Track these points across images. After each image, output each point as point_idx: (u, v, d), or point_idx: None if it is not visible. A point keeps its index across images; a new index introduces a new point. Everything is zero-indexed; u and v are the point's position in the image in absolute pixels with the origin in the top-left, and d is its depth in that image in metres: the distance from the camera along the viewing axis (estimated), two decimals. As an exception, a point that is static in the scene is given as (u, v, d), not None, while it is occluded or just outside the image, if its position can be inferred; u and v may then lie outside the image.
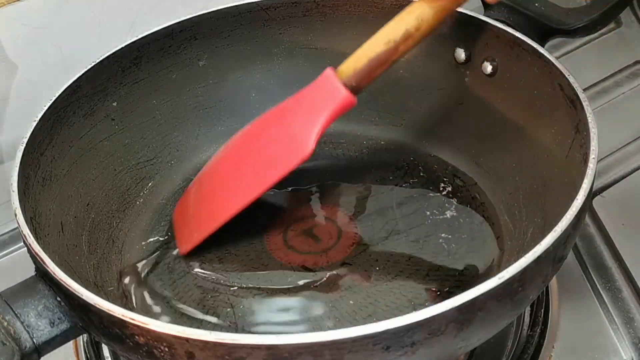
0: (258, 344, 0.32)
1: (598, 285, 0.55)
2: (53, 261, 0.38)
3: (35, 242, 0.39)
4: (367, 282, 0.48)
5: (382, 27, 0.47)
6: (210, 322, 0.46)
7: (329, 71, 0.48)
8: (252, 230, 0.53)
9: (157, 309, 0.48)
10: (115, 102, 0.55)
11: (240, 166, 0.51)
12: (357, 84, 0.47)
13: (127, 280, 0.50)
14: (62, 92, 0.50)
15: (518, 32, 0.51)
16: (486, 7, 0.55)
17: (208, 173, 0.54)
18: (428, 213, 0.53)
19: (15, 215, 0.41)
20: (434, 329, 0.33)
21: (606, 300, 0.54)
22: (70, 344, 0.52)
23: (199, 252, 0.51)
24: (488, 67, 0.54)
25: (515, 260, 0.35)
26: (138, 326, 0.34)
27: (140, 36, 0.55)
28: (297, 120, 0.48)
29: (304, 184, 0.56)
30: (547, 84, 0.48)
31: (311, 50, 0.60)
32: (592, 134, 0.43)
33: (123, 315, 0.35)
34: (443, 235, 0.51)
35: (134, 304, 0.48)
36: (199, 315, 0.47)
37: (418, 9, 0.46)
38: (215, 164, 0.53)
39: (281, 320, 0.46)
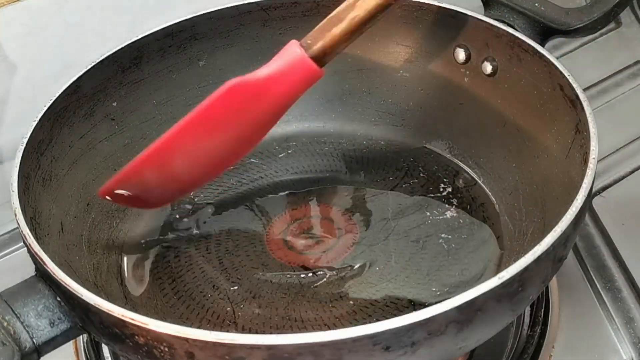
0: (258, 344, 0.32)
1: (598, 285, 0.55)
2: (53, 261, 0.38)
3: (35, 242, 0.39)
4: (366, 282, 0.48)
5: None
6: (210, 322, 0.46)
7: (293, 42, 0.46)
8: (252, 230, 0.53)
9: (157, 308, 0.48)
10: (115, 102, 0.55)
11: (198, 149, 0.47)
12: (323, 55, 0.45)
13: (127, 280, 0.50)
14: (62, 92, 0.50)
15: (518, 32, 0.51)
16: (486, 7, 0.55)
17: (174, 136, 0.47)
18: (428, 213, 0.53)
19: (15, 215, 0.41)
20: (434, 329, 0.33)
21: (606, 300, 0.54)
22: (70, 344, 0.52)
23: (199, 252, 0.51)
24: (488, 67, 0.54)
25: (515, 260, 0.35)
26: (138, 326, 0.34)
27: (140, 36, 0.55)
28: (263, 85, 0.46)
29: (304, 184, 0.57)
30: (547, 84, 0.48)
31: (311, 50, 0.60)
32: (592, 134, 0.43)
33: (123, 315, 0.35)
34: (443, 235, 0.51)
35: (134, 304, 0.48)
36: (199, 315, 0.47)
37: None
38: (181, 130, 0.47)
39: (281, 320, 0.46)
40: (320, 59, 0.45)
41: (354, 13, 0.44)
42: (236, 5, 0.58)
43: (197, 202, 0.56)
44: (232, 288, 0.49)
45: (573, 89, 0.46)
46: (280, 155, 0.59)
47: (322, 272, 0.49)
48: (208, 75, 0.59)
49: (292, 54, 0.46)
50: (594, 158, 0.41)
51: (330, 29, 0.45)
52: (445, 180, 0.56)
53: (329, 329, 0.37)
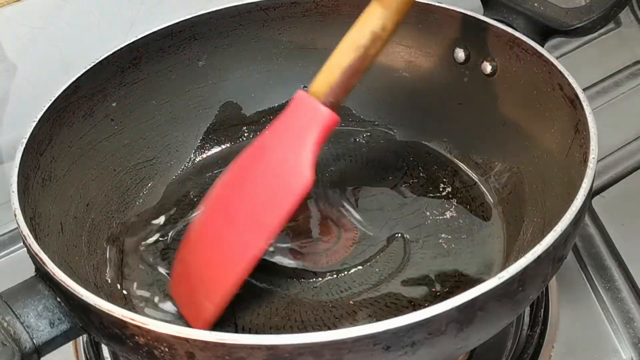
0: (258, 344, 0.32)
1: (598, 285, 0.55)
2: (53, 262, 0.38)
3: (35, 243, 0.39)
4: (366, 282, 0.48)
5: (345, 35, 0.45)
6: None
7: (301, 93, 0.44)
8: (251, 230, 0.53)
9: (157, 309, 0.48)
10: (114, 103, 0.55)
11: (234, 220, 0.45)
12: (335, 99, 0.44)
13: (127, 280, 0.50)
14: (62, 93, 0.50)
15: (518, 32, 0.51)
16: (486, 7, 0.55)
17: (199, 234, 0.47)
18: (428, 213, 0.53)
19: (15, 215, 0.41)
20: (434, 329, 0.33)
21: (606, 300, 0.54)
22: (70, 344, 0.52)
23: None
24: (488, 67, 0.54)
25: (515, 260, 0.35)
26: (138, 326, 0.34)
27: (139, 36, 0.55)
28: (284, 154, 0.44)
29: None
30: (547, 84, 0.48)
31: (311, 51, 0.60)
32: (591, 134, 0.43)
33: (123, 316, 0.35)
34: (443, 235, 0.51)
35: (134, 305, 0.48)
36: (199, 315, 0.47)
37: (378, 9, 0.43)
38: (204, 223, 0.47)
39: (281, 320, 0.46)
40: (335, 106, 0.44)
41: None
42: (236, 6, 0.58)
43: (196, 203, 0.56)
44: (232, 288, 0.49)
45: (573, 88, 0.46)
46: (280, 156, 0.59)
47: (322, 272, 0.49)
48: (207, 75, 0.59)
49: (311, 110, 0.44)
50: (593, 158, 0.41)
51: (347, 79, 0.44)
52: (445, 180, 0.56)
53: (329, 329, 0.36)
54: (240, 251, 0.44)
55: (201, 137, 0.60)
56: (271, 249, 0.51)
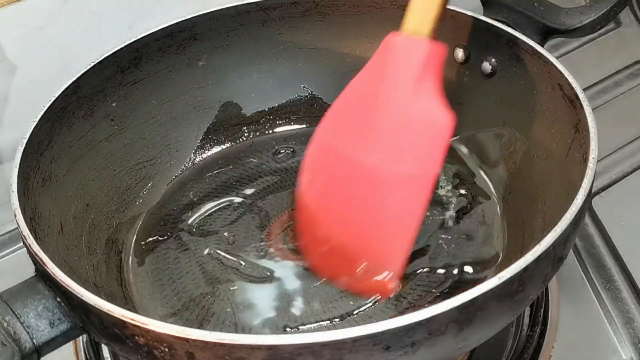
0: (258, 344, 0.32)
1: (598, 285, 0.55)
2: (53, 262, 0.38)
3: (34, 243, 0.39)
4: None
5: None
6: (210, 322, 0.46)
7: (402, 36, 0.44)
8: (252, 230, 0.53)
9: (157, 309, 0.48)
10: (114, 103, 0.55)
11: (379, 180, 0.44)
12: (435, 34, 0.44)
13: (127, 280, 0.50)
14: (62, 93, 0.50)
15: (518, 32, 0.51)
16: (485, 7, 0.55)
17: (338, 203, 0.45)
18: (428, 213, 0.53)
19: (15, 215, 0.41)
20: (434, 329, 0.33)
21: (606, 300, 0.54)
22: (70, 344, 0.52)
23: (199, 252, 0.51)
24: (487, 67, 0.54)
25: (515, 260, 0.35)
26: (138, 327, 0.34)
27: (139, 36, 0.55)
28: (412, 102, 0.43)
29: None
30: (547, 83, 0.48)
31: (311, 50, 0.60)
32: (591, 134, 0.43)
33: (123, 316, 0.35)
34: (443, 235, 0.51)
35: (134, 304, 0.48)
36: (199, 315, 0.47)
37: None
38: (336, 191, 0.45)
39: (281, 321, 0.46)
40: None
41: None
42: (235, 6, 0.58)
43: (196, 203, 0.56)
44: (231, 288, 0.49)
45: (572, 88, 0.46)
46: (280, 155, 0.59)
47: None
48: (207, 75, 0.59)
49: (415, 47, 0.43)
50: (593, 158, 0.41)
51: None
52: (445, 180, 0.56)
53: (329, 329, 0.36)
54: (407, 207, 0.43)
55: (201, 137, 0.60)
56: (271, 249, 0.51)
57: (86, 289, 0.36)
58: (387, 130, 0.44)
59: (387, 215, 0.44)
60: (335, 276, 0.46)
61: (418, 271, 0.48)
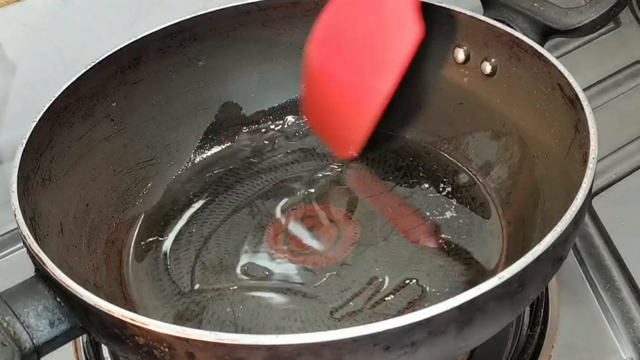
0: (258, 344, 0.32)
1: (598, 285, 0.55)
2: (52, 262, 0.38)
3: (34, 243, 0.39)
4: (366, 282, 0.48)
5: None
6: (210, 323, 0.46)
7: None
8: (252, 230, 0.53)
9: (157, 309, 0.48)
10: (114, 103, 0.55)
11: (352, 67, 0.52)
12: None
13: (126, 280, 0.50)
14: (62, 93, 0.50)
15: (518, 32, 0.51)
16: (485, 7, 0.55)
17: (321, 73, 0.55)
18: (428, 213, 0.53)
19: (15, 215, 0.41)
20: (434, 329, 0.33)
21: (606, 300, 0.54)
22: (70, 344, 0.52)
23: (198, 252, 0.51)
24: (487, 67, 0.54)
25: (515, 260, 0.35)
26: (138, 327, 0.34)
27: (139, 36, 0.55)
28: (386, 9, 0.49)
29: (304, 184, 0.56)
30: (547, 84, 0.48)
31: (311, 51, 0.60)
32: (591, 134, 0.43)
33: (123, 316, 0.35)
34: (443, 235, 0.51)
35: (134, 305, 0.48)
36: (199, 315, 0.47)
37: None
38: (322, 65, 0.54)
39: (281, 321, 0.46)
40: None
41: None
42: (235, 6, 0.58)
43: (196, 202, 0.56)
44: (231, 288, 0.49)
45: (572, 88, 0.46)
46: (279, 155, 0.59)
47: (322, 272, 0.49)
48: (207, 75, 0.59)
49: None
50: (593, 158, 0.41)
51: None
52: (445, 180, 0.56)
53: (329, 329, 0.36)
54: (368, 95, 0.53)
55: (201, 137, 0.60)
56: (271, 249, 0.51)
57: (86, 289, 0.36)
58: (365, 31, 0.52)
59: (353, 97, 0.54)
60: (318, 128, 0.59)
61: (418, 271, 0.49)
